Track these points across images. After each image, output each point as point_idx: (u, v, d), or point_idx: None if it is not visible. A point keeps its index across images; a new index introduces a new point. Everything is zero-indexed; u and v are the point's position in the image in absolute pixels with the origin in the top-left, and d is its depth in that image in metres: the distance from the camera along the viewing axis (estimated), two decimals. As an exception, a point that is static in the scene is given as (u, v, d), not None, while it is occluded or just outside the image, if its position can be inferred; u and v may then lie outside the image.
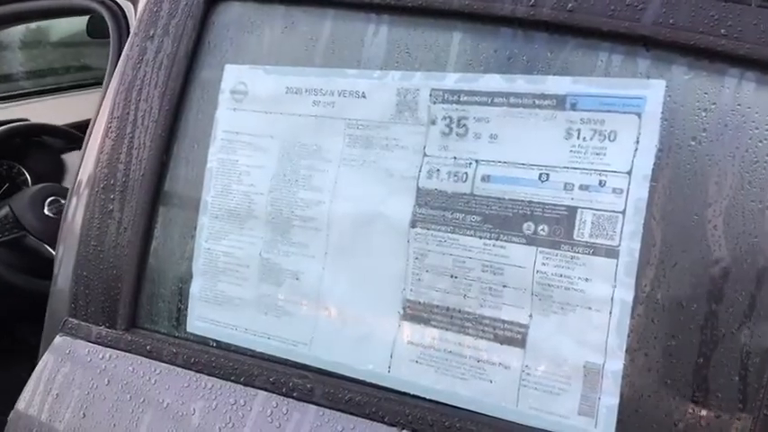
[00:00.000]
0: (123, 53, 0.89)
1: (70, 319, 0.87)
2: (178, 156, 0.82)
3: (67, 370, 0.84)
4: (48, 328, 0.93)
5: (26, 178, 1.91)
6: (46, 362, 0.87)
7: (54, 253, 1.66)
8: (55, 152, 1.96)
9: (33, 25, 2.34)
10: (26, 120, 1.85)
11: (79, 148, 1.95)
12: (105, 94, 0.92)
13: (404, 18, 0.71)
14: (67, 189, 1.76)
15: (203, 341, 0.79)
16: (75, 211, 0.91)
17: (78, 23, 2.48)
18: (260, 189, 0.77)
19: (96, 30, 1.90)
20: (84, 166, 0.93)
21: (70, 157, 1.99)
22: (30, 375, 2.20)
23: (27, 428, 0.84)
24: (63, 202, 1.68)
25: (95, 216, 0.85)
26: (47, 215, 1.67)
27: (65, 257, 0.91)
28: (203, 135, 0.81)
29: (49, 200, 1.68)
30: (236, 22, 0.82)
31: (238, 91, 0.79)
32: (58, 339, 0.87)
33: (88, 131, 0.95)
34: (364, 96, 0.72)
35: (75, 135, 1.85)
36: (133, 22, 0.96)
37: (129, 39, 0.87)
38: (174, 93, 0.82)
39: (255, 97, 0.78)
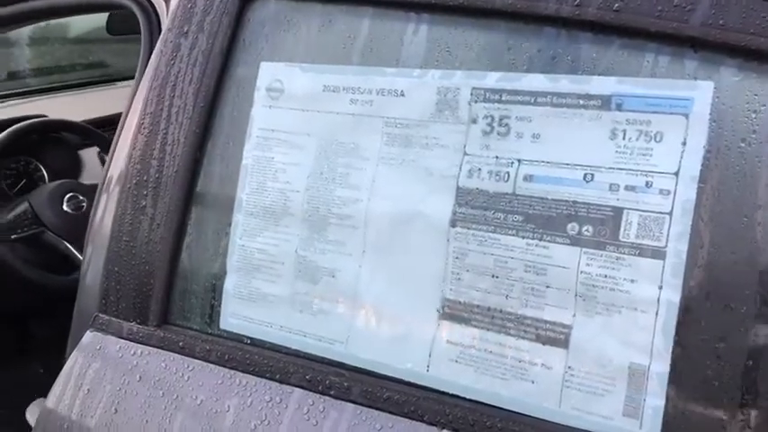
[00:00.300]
0: (156, 49, 0.89)
1: (100, 315, 0.87)
2: (212, 152, 0.82)
3: (98, 366, 0.84)
4: (76, 325, 0.93)
5: (43, 174, 1.92)
6: (76, 358, 0.87)
7: (71, 249, 1.67)
8: (71, 148, 1.97)
9: (52, 21, 2.34)
10: (44, 116, 1.85)
11: (96, 145, 1.96)
12: (136, 90, 0.92)
13: (445, 17, 0.71)
14: (85, 185, 1.77)
15: (237, 338, 0.79)
16: (105, 208, 0.91)
17: (95, 20, 2.48)
18: (296, 186, 0.77)
19: (116, 27, 1.90)
20: (114, 162, 0.93)
21: (87, 154, 1.99)
22: (42, 368, 2.20)
23: (58, 424, 0.84)
24: (81, 198, 1.69)
25: (127, 212, 0.85)
26: (65, 211, 1.67)
27: (94, 254, 0.91)
28: (238, 132, 0.81)
29: (68, 196, 1.68)
30: (271, 20, 0.82)
31: (274, 89, 0.79)
32: (88, 335, 0.87)
33: (118, 128, 0.95)
34: (403, 95, 0.72)
35: (92, 131, 1.86)
36: (164, 19, 0.96)
37: (163, 35, 0.87)
38: (208, 89, 0.82)
39: (292, 95, 0.78)
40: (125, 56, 3.10)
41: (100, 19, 2.54)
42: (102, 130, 1.92)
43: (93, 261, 0.92)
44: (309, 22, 0.79)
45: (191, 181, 0.82)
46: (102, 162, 2.00)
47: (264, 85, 0.80)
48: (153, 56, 0.90)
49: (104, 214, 0.91)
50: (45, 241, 1.66)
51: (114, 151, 0.93)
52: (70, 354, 0.89)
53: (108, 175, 0.93)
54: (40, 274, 1.60)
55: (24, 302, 2.01)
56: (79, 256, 1.66)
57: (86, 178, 1.93)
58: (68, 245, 1.67)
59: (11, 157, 1.76)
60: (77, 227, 1.69)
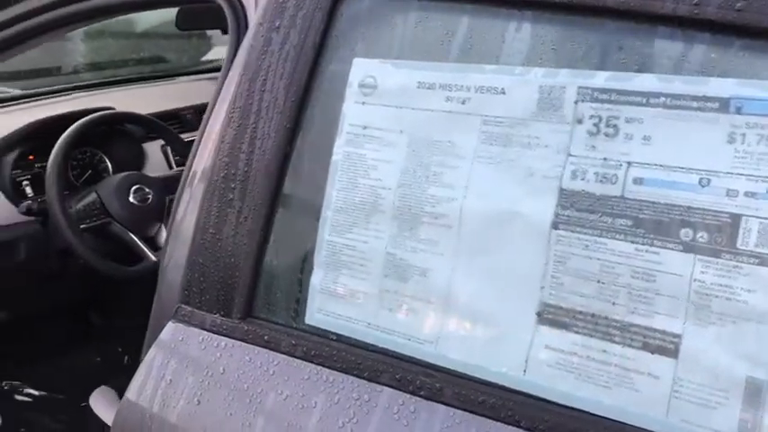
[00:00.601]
0: (245, 44, 0.90)
1: (183, 307, 0.87)
2: (302, 148, 0.82)
3: (180, 357, 0.85)
4: (156, 316, 0.94)
5: (107, 165, 1.96)
6: (157, 349, 0.88)
7: (136, 240, 1.70)
8: (136, 141, 2.00)
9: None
10: (112, 108, 1.88)
11: (160, 137, 1.99)
12: (223, 84, 0.93)
13: (550, 14, 0.69)
14: (151, 178, 1.80)
15: (323, 333, 0.78)
16: (190, 201, 0.92)
17: (157, 16, 2.53)
18: (387, 184, 0.76)
19: (186, 21, 1.92)
20: (199, 156, 0.93)
21: (150, 147, 2.02)
22: (99, 357, 2.24)
23: (139, 416, 0.85)
24: (147, 190, 1.71)
25: (214, 205, 0.85)
26: (131, 203, 1.70)
27: (176, 246, 0.92)
28: (329, 128, 0.80)
29: (134, 188, 1.71)
30: (365, 16, 0.81)
31: (367, 85, 0.79)
32: (169, 326, 0.88)
33: (203, 124, 0.95)
34: (503, 93, 0.70)
35: (158, 124, 1.88)
36: (251, 15, 0.96)
37: (253, 29, 0.87)
38: (299, 85, 0.81)
39: (385, 91, 0.77)
40: (182, 52, 3.15)
41: (160, 15, 2.58)
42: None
43: (175, 253, 0.93)
44: (405, 18, 0.78)
45: (279, 175, 0.82)
46: (165, 155, 2.03)
47: (357, 81, 0.79)
48: (242, 50, 0.91)
49: (188, 207, 0.92)
50: (111, 232, 1.69)
51: (199, 146, 0.94)
52: (150, 345, 0.90)
53: (192, 169, 0.94)
54: (108, 264, 1.63)
55: (88, 291, 2.05)
56: (143, 247, 1.69)
57: (149, 171, 1.96)
58: (133, 236, 1.69)
59: (78, 147, 1.79)
60: (142, 219, 1.72)
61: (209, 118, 0.94)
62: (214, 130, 0.91)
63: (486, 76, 0.71)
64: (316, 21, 0.81)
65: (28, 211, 1.68)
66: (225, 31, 2.04)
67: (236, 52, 0.94)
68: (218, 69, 2.72)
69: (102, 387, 1.69)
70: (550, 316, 0.66)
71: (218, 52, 2.92)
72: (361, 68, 0.79)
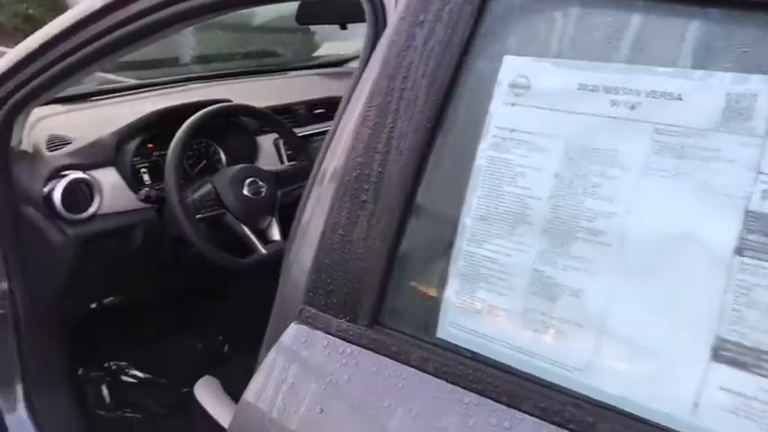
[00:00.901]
0: (385, 38, 0.86)
1: (307, 308, 0.84)
2: (441, 150, 0.77)
3: (303, 361, 0.82)
4: (277, 315, 0.92)
5: (221, 157, 1.98)
6: (278, 350, 0.85)
7: (248, 233, 1.70)
8: (250, 133, 2.02)
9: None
10: (229, 100, 1.91)
11: (275, 131, 2.00)
12: (358, 81, 0.89)
13: (741, 12, 0.61)
14: (264, 171, 1.80)
15: (456, 349, 0.73)
16: (318, 200, 0.89)
17: (277, 10, 2.55)
18: (536, 193, 0.70)
19: (306, 16, 1.92)
20: (329, 154, 0.90)
21: (263, 140, 2.04)
22: (201, 344, 2.28)
23: (257, 419, 0.83)
24: (261, 183, 1.72)
25: (345, 205, 0.82)
26: (245, 195, 1.71)
27: (303, 245, 0.90)
28: (472, 129, 0.75)
29: (249, 180, 1.72)
30: (519, 10, 0.75)
31: (518, 84, 0.73)
32: (292, 327, 0.85)
33: (335, 121, 0.92)
34: (680, 99, 0.63)
35: (274, 118, 1.89)
36: (389, 8, 0.93)
37: (395, 24, 0.83)
38: (442, 83, 0.77)
39: (539, 92, 0.71)
40: (293, 46, 3.19)
41: (277, 9, 2.61)
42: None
43: (300, 252, 0.90)
44: (565, 13, 0.72)
45: (416, 178, 0.77)
46: (278, 149, 2.04)
47: (507, 80, 0.74)
48: (381, 45, 0.87)
49: (317, 206, 0.89)
50: (224, 223, 1.71)
51: (330, 144, 0.91)
52: (270, 345, 0.88)
53: (322, 167, 0.91)
54: (221, 255, 1.64)
55: (196, 280, 2.09)
56: (254, 240, 1.69)
57: (260, 164, 1.97)
58: (245, 228, 1.70)
59: (195, 138, 1.82)
60: (255, 211, 1.72)
61: (341, 115, 0.91)
62: (347, 127, 0.87)
63: (660, 79, 0.64)
64: (464, 15, 0.76)
65: (146, 199, 1.72)
66: (344, 27, 2.04)
67: (373, 48, 0.90)
68: (329, 65, 2.74)
69: (207, 377, 1.72)
70: (728, 353, 0.58)
71: (330, 48, 2.93)
72: (512, 67, 0.74)
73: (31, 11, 9.87)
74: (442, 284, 0.76)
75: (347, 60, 2.73)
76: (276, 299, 0.93)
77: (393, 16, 0.90)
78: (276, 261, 1.76)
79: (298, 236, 0.93)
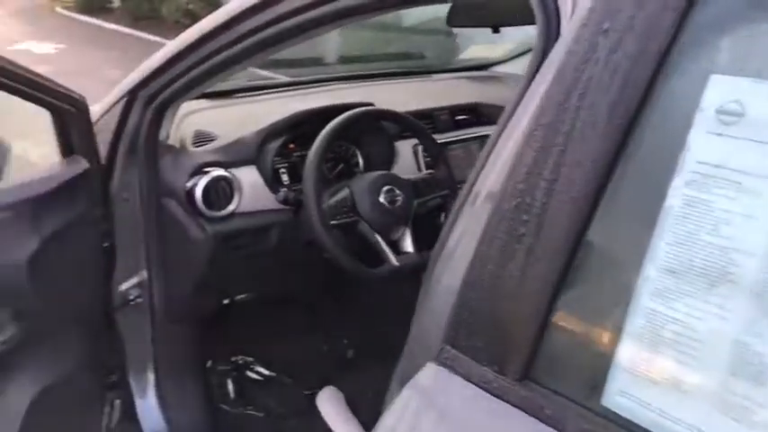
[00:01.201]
0: (561, 48, 0.75)
1: (447, 348, 0.75)
2: (623, 182, 0.65)
3: (440, 410, 0.73)
4: (413, 348, 0.84)
5: (358, 161, 1.94)
6: (414, 391, 0.77)
7: (381, 242, 1.64)
8: (389, 138, 1.96)
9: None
10: (371, 104, 1.86)
11: (416, 138, 1.93)
12: (524, 94, 0.79)
13: None
14: (402, 180, 1.73)
15: (625, 424, 0.61)
16: (467, 225, 0.80)
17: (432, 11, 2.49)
18: (747, 247, 0.56)
19: (457, 18, 1.84)
20: (484, 175, 0.81)
21: (401, 145, 1.97)
22: (328, 347, 2.26)
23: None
24: (398, 192, 1.65)
25: (498, 236, 0.72)
26: (381, 203, 1.65)
27: (447, 270, 0.81)
28: (664, 162, 0.63)
29: (386, 188, 1.66)
30: (733, 19, 0.62)
31: (729, 111, 0.59)
32: (430, 367, 0.76)
33: (493, 136, 0.82)
34: None
35: (417, 125, 1.82)
36: (565, 13, 0.81)
37: (574, 31, 0.71)
38: (630, 103, 0.64)
39: (755, 121, 0.58)
40: (437, 49, 3.11)
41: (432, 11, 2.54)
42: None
43: (443, 279, 0.81)
44: (799, 26, 0.58)
45: (588, 213, 0.66)
46: (416, 156, 1.97)
47: (713, 105, 0.60)
48: (554, 55, 0.76)
49: (465, 231, 0.80)
50: (357, 230, 1.66)
51: (485, 162, 0.81)
52: (404, 379, 0.79)
53: (475, 188, 0.81)
54: (354, 263, 1.59)
55: (328, 283, 2.07)
56: (387, 250, 1.63)
57: (397, 170, 1.90)
58: (378, 237, 1.64)
59: (336, 141, 1.78)
60: (389, 221, 1.66)
61: (501, 131, 0.81)
62: (507, 146, 0.77)
63: None
64: (663, 24, 0.64)
65: (284, 201, 1.70)
66: (496, 30, 1.93)
67: (543, 57, 0.79)
68: (474, 68, 2.63)
69: (331, 388, 1.68)
70: None
71: (475, 51, 2.83)
72: (721, 89, 0.60)
73: (191, 6, 10.53)
74: (613, 342, 0.64)
75: (493, 64, 2.62)
76: (413, 325, 0.85)
77: (569, 23, 0.79)
78: (407, 273, 1.70)
79: (441, 260, 0.84)
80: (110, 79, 1.54)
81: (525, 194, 0.70)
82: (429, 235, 1.78)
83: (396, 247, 1.68)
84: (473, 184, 0.82)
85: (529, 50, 2.17)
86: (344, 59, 3.10)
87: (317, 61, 2.90)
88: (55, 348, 1.46)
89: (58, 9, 13.83)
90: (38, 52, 10.19)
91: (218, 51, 1.33)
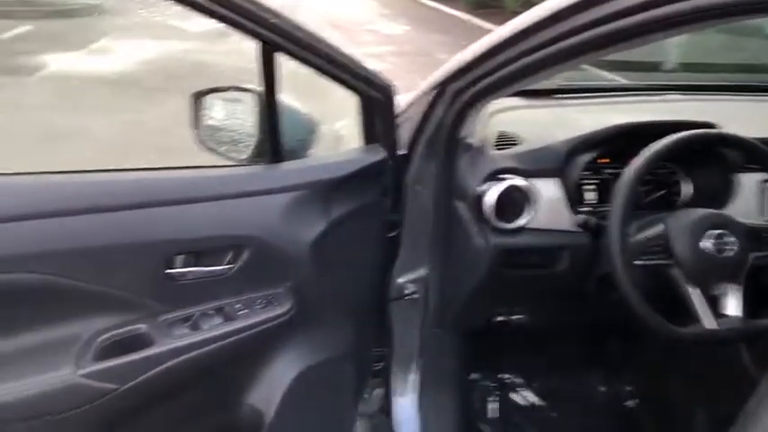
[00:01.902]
0: None
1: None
2: None
3: None
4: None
5: (681, 189, 1.62)
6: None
7: (695, 298, 1.33)
8: (727, 168, 1.60)
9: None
10: (712, 125, 1.53)
11: (761, 171, 1.55)
12: None
13: None
14: (738, 224, 1.37)
15: None
16: None
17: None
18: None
19: None
20: None
21: (746, 179, 1.60)
22: (606, 387, 1.97)
23: None
24: (730, 239, 1.32)
25: None
26: (702, 248, 1.34)
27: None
28: None
29: (714, 232, 1.34)
30: None
31: None
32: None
33: None
34: None
35: (765, 153, 1.45)
36: None
37: None
38: None
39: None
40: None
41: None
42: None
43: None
44: None
45: None
46: (762, 195, 1.59)
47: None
48: None
49: None
50: (666, 276, 1.37)
51: None
52: None
53: None
54: (654, 315, 1.32)
55: (616, 321, 1.81)
56: (703, 308, 1.32)
57: (732, 210, 1.53)
58: (692, 289, 1.34)
59: (660, 161, 1.49)
60: (710, 271, 1.34)
61: None
62: None
63: None
64: None
65: (583, 225, 1.49)
66: None
67: None
68: None
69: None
70: None
71: None
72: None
73: (536, -3, 10.44)
74: None
75: None
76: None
77: None
78: (727, 341, 1.37)
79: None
80: (439, 62, 1.48)
81: None
82: (765, 298, 1.41)
83: (714, 304, 1.36)
84: None
85: None
86: (684, 66, 2.69)
87: (654, 66, 2.56)
88: (326, 331, 1.46)
89: (411, -7, 14.97)
90: (385, 32, 11.15)
91: (534, 50, 1.16)
